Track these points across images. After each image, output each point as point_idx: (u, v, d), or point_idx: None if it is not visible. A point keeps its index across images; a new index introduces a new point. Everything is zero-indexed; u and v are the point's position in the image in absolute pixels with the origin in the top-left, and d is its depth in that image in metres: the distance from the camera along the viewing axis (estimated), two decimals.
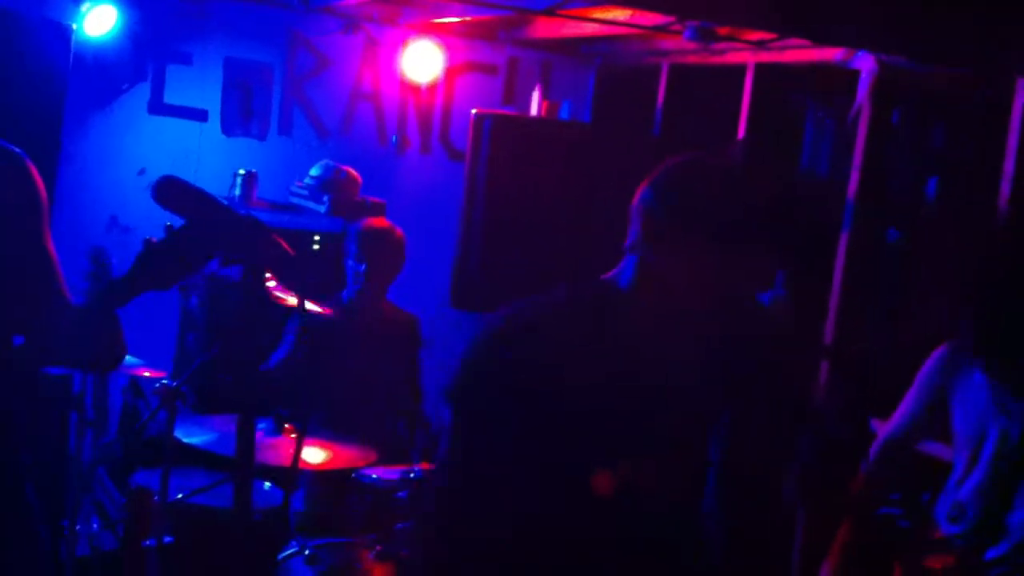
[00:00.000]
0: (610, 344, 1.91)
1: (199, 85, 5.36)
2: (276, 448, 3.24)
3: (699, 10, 3.59)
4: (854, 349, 3.94)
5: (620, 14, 4.39)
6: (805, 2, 3.31)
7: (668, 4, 3.42)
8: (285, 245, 1.81)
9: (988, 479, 2.75)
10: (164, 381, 3.20)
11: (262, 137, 5.51)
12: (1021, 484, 2.68)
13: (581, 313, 1.95)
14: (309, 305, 3.72)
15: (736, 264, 1.95)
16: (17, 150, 2.35)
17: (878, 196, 4.06)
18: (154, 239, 1.83)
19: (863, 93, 4.03)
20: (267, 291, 1.81)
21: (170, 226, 1.83)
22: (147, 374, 3.80)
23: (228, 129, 5.44)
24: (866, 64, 4.01)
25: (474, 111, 4.91)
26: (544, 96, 5.56)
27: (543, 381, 1.87)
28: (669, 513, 2.00)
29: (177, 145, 5.33)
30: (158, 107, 5.30)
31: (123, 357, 2.36)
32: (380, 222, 4.28)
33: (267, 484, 3.66)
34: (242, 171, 5.12)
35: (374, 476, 3.45)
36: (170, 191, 1.78)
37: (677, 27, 4.32)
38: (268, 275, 1.90)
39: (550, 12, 4.58)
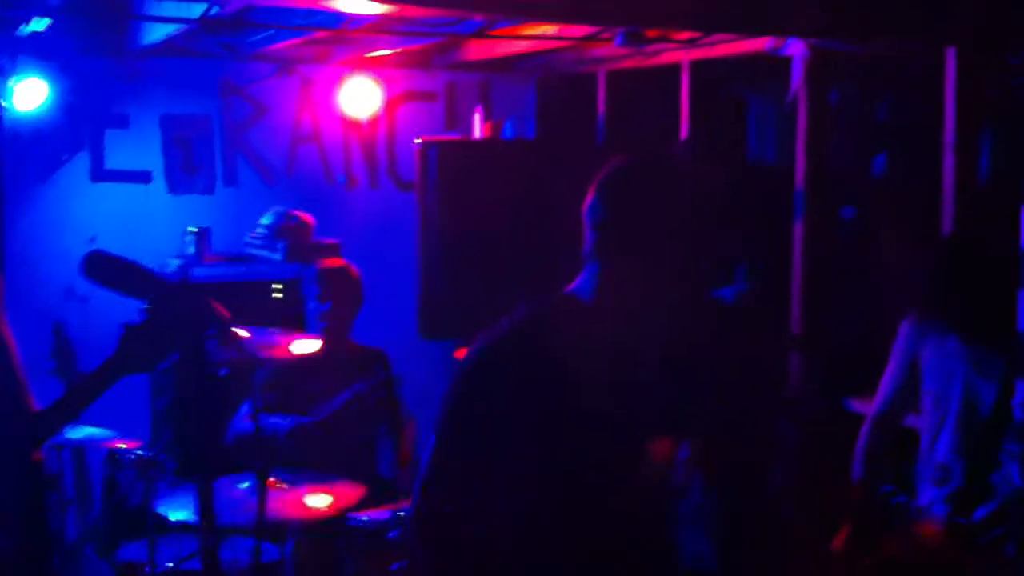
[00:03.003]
0: (579, 353, 1.93)
1: (139, 147, 5.32)
2: (260, 504, 3.19)
3: (621, 18, 3.62)
4: (822, 333, 3.96)
5: (550, 28, 4.41)
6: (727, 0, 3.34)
7: (591, 15, 3.44)
8: (220, 308, 1.79)
9: (967, 439, 2.78)
10: (139, 452, 3.16)
11: (209, 191, 5.47)
12: (1001, 442, 2.70)
13: (549, 327, 1.96)
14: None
15: (690, 260, 1.97)
16: None
17: (826, 177, 4.09)
18: (132, 322, 1.81)
19: (798, 78, 4.06)
20: (208, 361, 1.78)
21: (148, 307, 1.81)
22: (123, 445, 3.74)
23: (174, 187, 5.40)
24: (797, 49, 4.04)
25: (418, 140, 4.90)
26: (486, 116, 5.56)
27: (524, 394, 1.91)
28: (651, 509, 2.02)
29: (124, 209, 5.28)
30: (100, 174, 5.25)
31: None
32: (337, 261, 4.27)
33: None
34: (193, 228, 5.08)
35: (364, 518, 3.42)
36: (98, 267, 1.76)
37: (607, 35, 4.34)
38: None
39: (480, 34, 4.59)
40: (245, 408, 3.90)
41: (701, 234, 1.97)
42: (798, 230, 4.06)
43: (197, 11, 3.94)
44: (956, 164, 3.67)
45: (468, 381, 1.99)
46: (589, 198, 1.98)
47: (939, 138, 3.72)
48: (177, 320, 1.79)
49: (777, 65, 4.22)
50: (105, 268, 1.80)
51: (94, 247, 1.83)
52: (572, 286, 2.01)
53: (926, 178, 3.85)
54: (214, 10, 3.87)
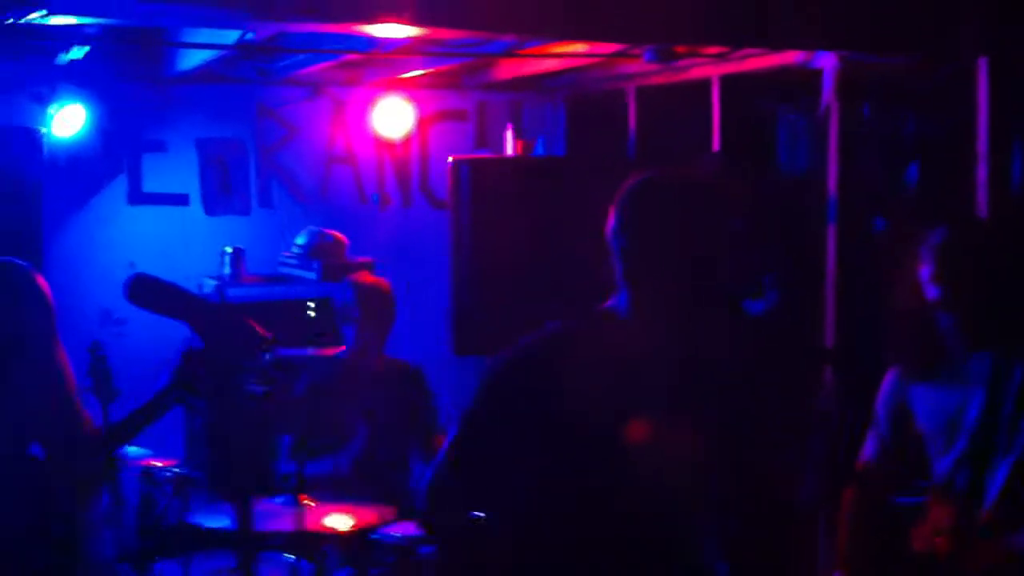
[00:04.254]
0: (613, 368, 1.95)
1: (175, 170, 5.40)
2: (293, 518, 3.22)
3: (653, 36, 3.63)
4: (854, 344, 3.94)
5: (579, 46, 4.43)
6: (755, 14, 3.34)
7: (620, 33, 3.46)
8: (258, 328, 1.82)
9: (968, 449, 2.75)
10: (176, 469, 3.20)
11: (245, 212, 5.54)
12: (998, 449, 2.67)
13: (585, 341, 1.98)
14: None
15: (717, 275, 1.98)
16: (22, 263, 2.35)
17: (858, 189, 4.07)
18: (192, 348, 1.83)
19: (828, 90, 4.05)
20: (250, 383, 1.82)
21: (204, 334, 1.83)
22: (159, 463, 3.79)
23: (210, 209, 5.47)
24: (828, 62, 4.04)
25: (450, 158, 4.94)
26: (517, 135, 5.59)
27: (552, 407, 1.93)
28: (679, 520, 2.03)
29: (162, 231, 5.36)
30: (137, 197, 5.34)
31: None
32: (369, 277, 4.31)
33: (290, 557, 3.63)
34: (229, 248, 5.15)
35: (395, 535, 3.43)
36: (141, 290, 1.79)
37: (636, 51, 4.35)
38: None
39: (510, 54, 4.62)
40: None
41: (728, 247, 1.98)
42: (831, 242, 4.04)
43: (231, 37, 4.00)
44: (989, 174, 3.65)
45: (497, 383, 2.02)
46: (610, 221, 2.00)
47: (970, 148, 3.69)
48: (228, 342, 1.82)
49: (807, 78, 4.21)
50: (148, 291, 1.83)
51: (135, 271, 1.87)
52: (607, 304, 2.03)
53: (958, 189, 3.82)
54: (248, 36, 3.94)
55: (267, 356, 1.88)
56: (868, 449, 3.01)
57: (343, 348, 4.16)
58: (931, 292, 2.75)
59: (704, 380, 1.98)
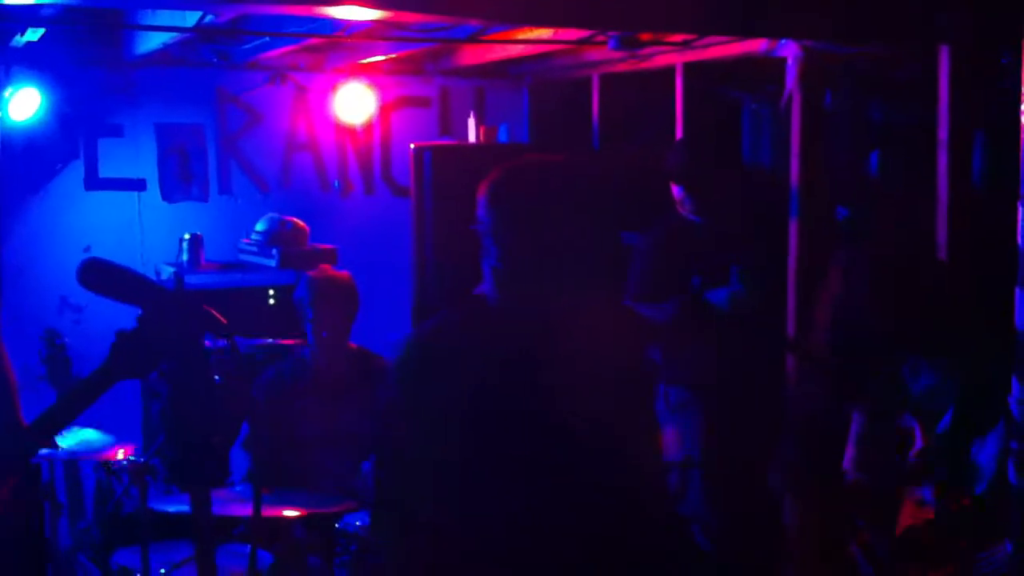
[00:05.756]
0: (492, 355, 2.00)
1: (133, 155, 5.32)
2: (252, 509, 3.19)
3: (617, 22, 3.62)
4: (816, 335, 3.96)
5: (544, 32, 4.41)
6: (720, 2, 3.35)
7: (585, 20, 3.45)
8: (216, 314, 1.79)
9: (953, 426, 2.78)
10: (132, 457, 3.15)
11: (204, 198, 5.47)
12: (986, 425, 2.70)
13: (459, 332, 2.04)
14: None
15: (578, 261, 2.02)
16: None
17: (821, 179, 4.09)
18: (125, 329, 1.79)
19: (792, 79, 4.06)
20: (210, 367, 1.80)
21: (141, 314, 1.80)
22: (120, 452, 3.72)
23: (168, 195, 5.40)
24: (791, 51, 4.05)
25: (413, 145, 4.90)
26: (480, 121, 5.57)
27: (444, 404, 1.99)
28: (614, 504, 2.04)
29: (119, 217, 5.28)
30: (94, 182, 5.25)
31: None
32: (326, 271, 4.22)
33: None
34: (187, 235, 5.08)
35: (357, 523, 3.41)
36: (94, 274, 1.76)
37: (601, 38, 4.34)
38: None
39: (474, 39, 4.59)
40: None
41: (594, 235, 2.02)
42: (793, 231, 4.05)
43: (191, 20, 3.94)
44: (949, 163, 3.67)
45: (407, 375, 2.07)
46: (478, 210, 2.06)
47: (933, 138, 3.71)
48: (171, 327, 1.79)
49: (771, 67, 4.22)
50: (101, 275, 1.79)
51: (89, 255, 1.83)
52: (481, 287, 2.06)
53: (921, 178, 3.85)
54: (208, 18, 3.88)
55: (225, 343, 1.86)
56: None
57: (305, 342, 4.10)
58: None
59: (571, 367, 2.00)
